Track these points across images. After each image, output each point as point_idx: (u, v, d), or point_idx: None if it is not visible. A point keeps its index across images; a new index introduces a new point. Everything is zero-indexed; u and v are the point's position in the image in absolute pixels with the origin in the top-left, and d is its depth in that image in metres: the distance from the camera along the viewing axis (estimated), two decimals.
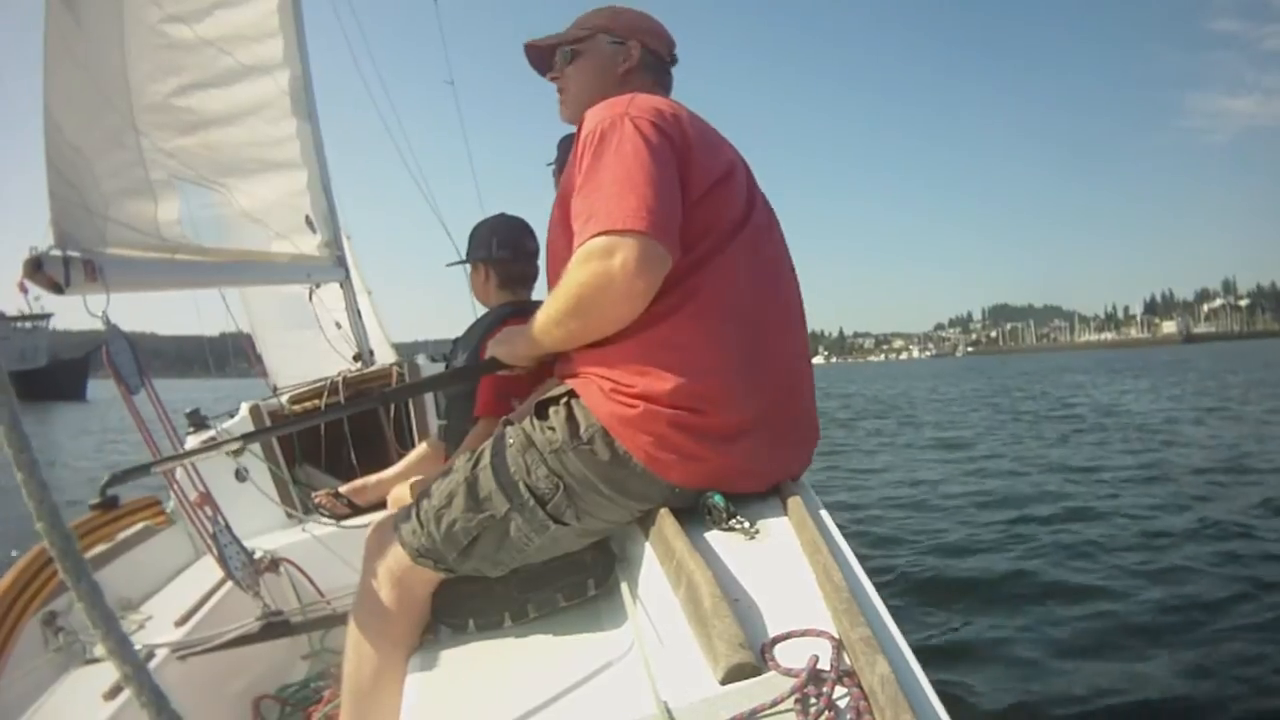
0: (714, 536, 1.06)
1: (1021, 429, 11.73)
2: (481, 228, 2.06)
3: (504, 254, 2.01)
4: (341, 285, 3.02)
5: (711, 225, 1.16)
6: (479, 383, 1.81)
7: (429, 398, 2.77)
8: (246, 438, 1.46)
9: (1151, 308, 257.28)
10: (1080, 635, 3.17)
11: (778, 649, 0.79)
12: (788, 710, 0.69)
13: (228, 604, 1.86)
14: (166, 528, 2.31)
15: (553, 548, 1.17)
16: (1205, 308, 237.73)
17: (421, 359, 3.17)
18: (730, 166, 1.22)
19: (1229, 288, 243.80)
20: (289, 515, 2.44)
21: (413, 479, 1.80)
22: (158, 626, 1.78)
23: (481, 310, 2.12)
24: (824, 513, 1.08)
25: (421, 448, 2.24)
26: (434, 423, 2.63)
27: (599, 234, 1.05)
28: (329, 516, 2.24)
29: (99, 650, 1.62)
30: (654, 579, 1.04)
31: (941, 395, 23.24)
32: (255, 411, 2.59)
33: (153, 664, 1.57)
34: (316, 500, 2.26)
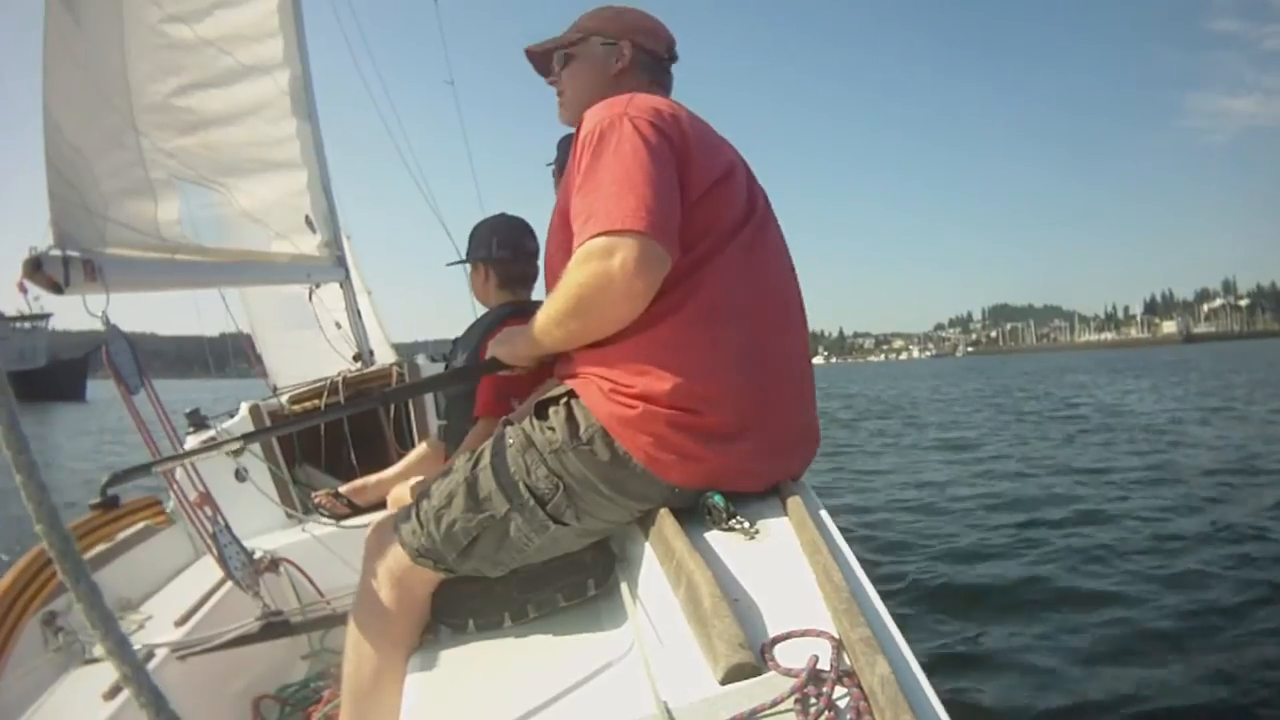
0: (714, 536, 1.06)
1: (1026, 429, 11.68)
2: (481, 227, 2.06)
3: (504, 254, 2.01)
4: (341, 285, 3.02)
5: (711, 225, 1.16)
6: (479, 383, 1.81)
7: (429, 398, 2.77)
8: (247, 438, 1.46)
9: (1151, 308, 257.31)
10: (1098, 642, 3.12)
11: (778, 649, 0.78)
12: (788, 710, 0.69)
13: (228, 604, 1.86)
14: (167, 527, 2.31)
15: (553, 548, 1.17)
16: (1205, 308, 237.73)
17: (421, 359, 3.17)
18: (730, 166, 1.22)
19: (1229, 288, 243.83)
20: (289, 515, 2.44)
21: (413, 479, 1.80)
22: (157, 626, 1.78)
23: (481, 310, 2.12)
24: (824, 513, 1.08)
25: (421, 448, 2.25)
26: (434, 423, 2.63)
27: (598, 234, 1.05)
28: (329, 516, 2.24)
29: (98, 650, 1.61)
30: (654, 579, 1.03)
31: (944, 395, 23.20)
32: (255, 411, 2.59)
33: (152, 664, 1.57)
34: (316, 500, 2.26)
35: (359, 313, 3.13)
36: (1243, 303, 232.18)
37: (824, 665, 0.73)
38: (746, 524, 1.05)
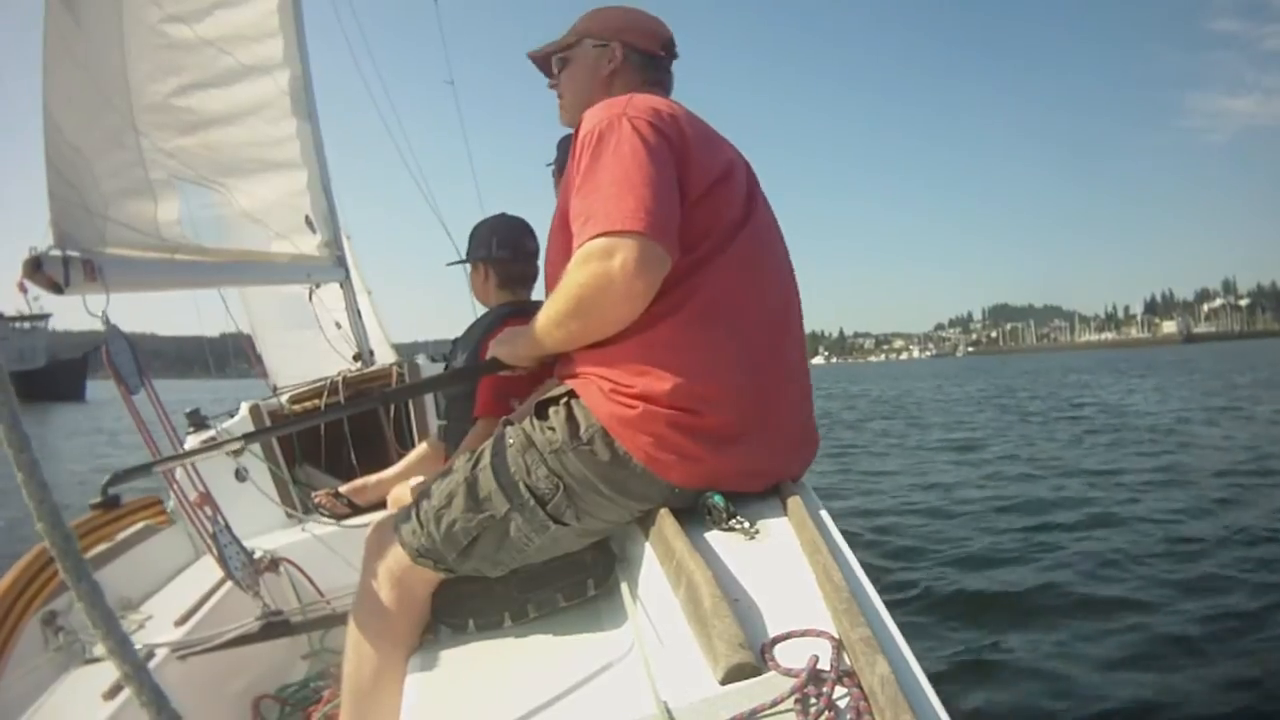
0: (714, 536, 1.06)
1: (1032, 430, 11.63)
2: (481, 227, 2.06)
3: (504, 254, 2.01)
4: (341, 285, 3.02)
5: (711, 225, 1.16)
6: (478, 383, 1.81)
7: (429, 398, 2.77)
8: (247, 437, 1.46)
9: (1152, 308, 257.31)
10: (1116, 648, 3.07)
11: (778, 649, 0.78)
12: (788, 710, 0.69)
13: (228, 604, 1.86)
14: (167, 527, 2.31)
15: (553, 548, 1.17)
16: (1205, 307, 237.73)
17: (421, 359, 3.17)
18: (729, 166, 1.22)
19: (1229, 287, 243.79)
20: (289, 515, 2.44)
21: (413, 479, 1.79)
22: (158, 626, 1.78)
23: (481, 310, 2.12)
24: (824, 513, 1.08)
25: (421, 448, 2.25)
26: (434, 423, 2.63)
27: (598, 235, 1.05)
28: (329, 516, 2.24)
29: (99, 650, 1.62)
30: (654, 579, 1.04)
31: (946, 395, 23.15)
32: (255, 411, 2.59)
33: (153, 664, 1.57)
34: (316, 500, 2.26)
35: (359, 313, 3.13)
36: (1243, 302, 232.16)
37: (824, 665, 0.73)
38: (746, 524, 1.05)
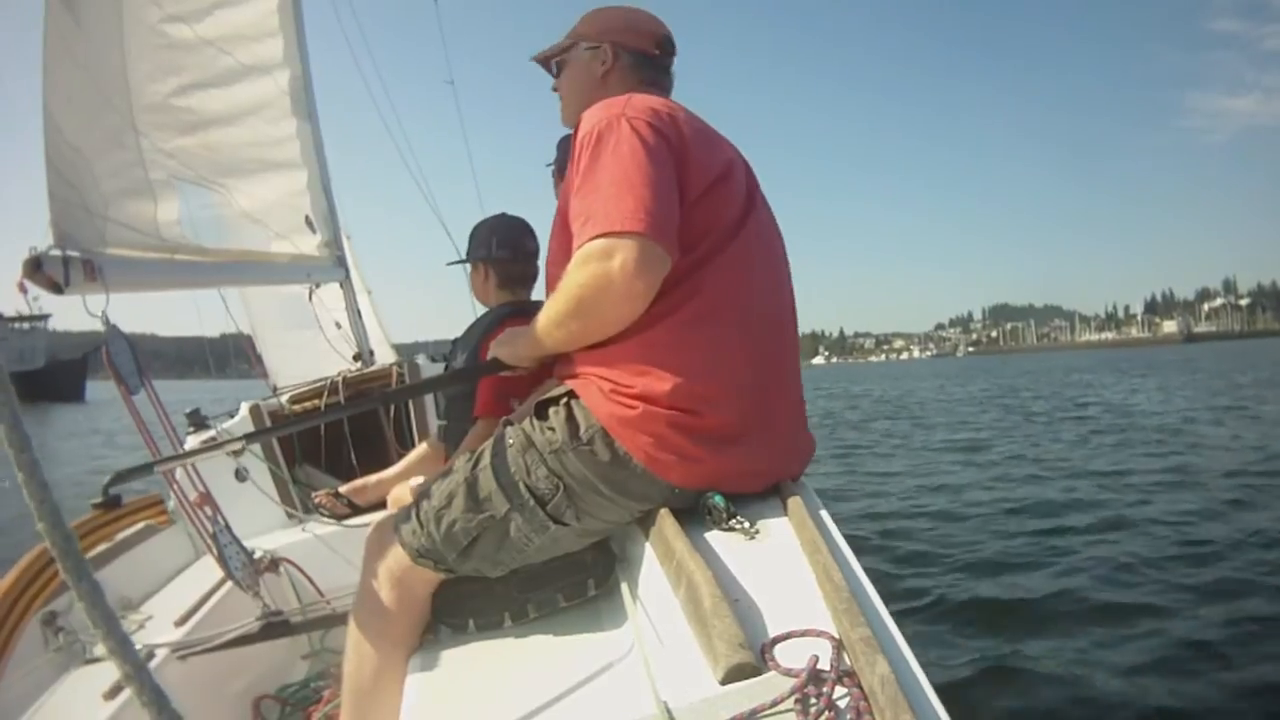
0: (714, 536, 1.06)
1: (1037, 430, 11.54)
2: (481, 227, 2.06)
3: (503, 254, 2.01)
4: (341, 285, 3.02)
5: (711, 225, 1.16)
6: (478, 383, 1.81)
7: (429, 398, 2.77)
8: (248, 438, 1.46)
9: (1152, 307, 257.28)
10: (1136, 655, 3.02)
11: (778, 649, 0.79)
12: (788, 710, 0.69)
13: (228, 604, 1.86)
14: (168, 527, 2.31)
15: (553, 548, 1.17)
16: (1206, 307, 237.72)
17: (421, 359, 3.17)
18: (728, 165, 1.22)
19: (1229, 287, 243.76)
20: (289, 515, 2.44)
21: (413, 479, 1.79)
22: (158, 626, 1.79)
23: (481, 310, 2.12)
24: (824, 513, 1.08)
25: (422, 448, 2.24)
26: (434, 423, 2.63)
27: (597, 236, 1.05)
28: (329, 516, 2.24)
29: (99, 650, 1.62)
30: (654, 579, 1.04)
31: (949, 395, 23.05)
32: (255, 411, 2.59)
33: (153, 664, 1.57)
34: (316, 500, 2.26)
35: (359, 313, 3.13)
36: (1243, 302, 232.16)
37: (824, 665, 0.73)
38: (747, 524, 1.06)
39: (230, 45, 2.42)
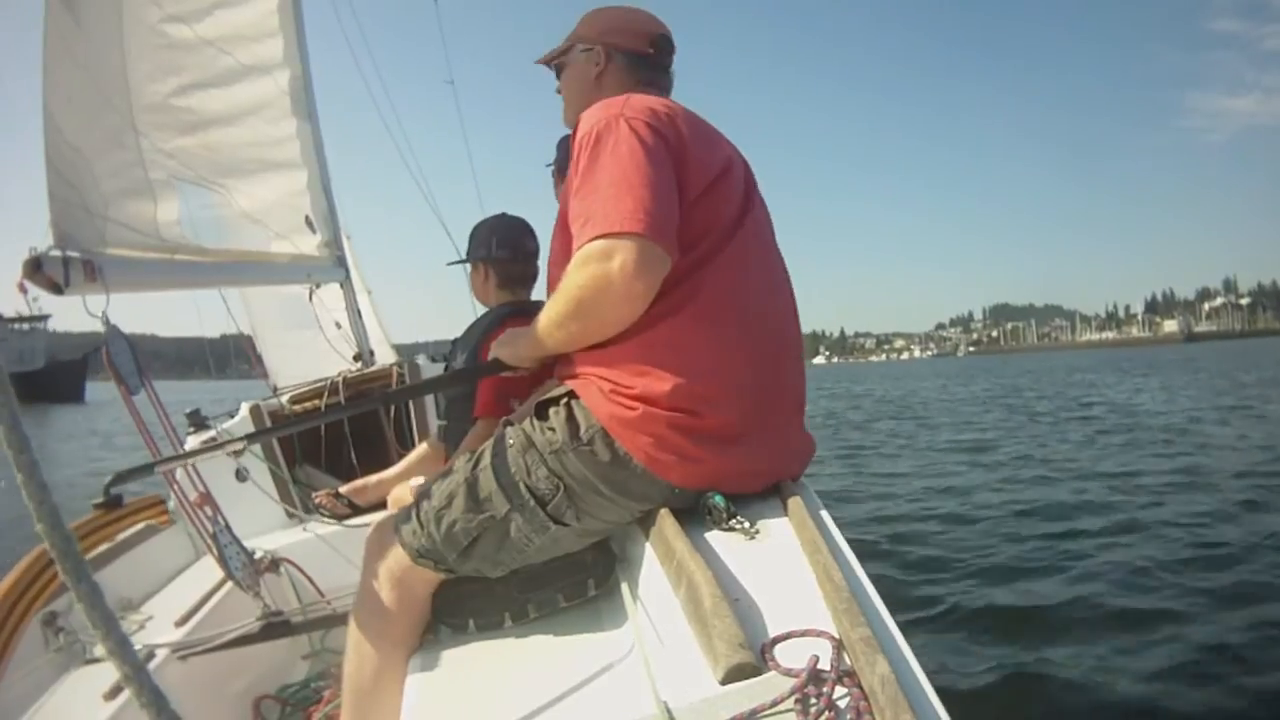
0: (714, 536, 1.06)
1: (1043, 430, 11.46)
2: (481, 227, 2.06)
3: (503, 254, 2.01)
4: (341, 285, 3.02)
5: (711, 225, 1.16)
6: (478, 383, 1.81)
7: (429, 398, 2.77)
8: (249, 438, 1.46)
9: (1152, 307, 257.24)
10: (1158, 661, 2.97)
11: (778, 649, 0.78)
12: (788, 710, 0.69)
13: (228, 604, 1.86)
14: (168, 527, 2.31)
15: (553, 548, 1.17)
16: (1206, 306, 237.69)
17: (421, 359, 3.17)
18: (727, 164, 1.22)
19: (1230, 286, 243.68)
20: (289, 515, 2.44)
21: (413, 479, 1.79)
22: (158, 626, 1.79)
23: (481, 310, 2.12)
24: (824, 513, 1.08)
25: (422, 448, 2.24)
26: (434, 423, 2.63)
27: (597, 237, 1.05)
28: (329, 516, 2.24)
29: (99, 650, 1.62)
30: (654, 579, 1.04)
31: (952, 395, 22.96)
32: (255, 411, 2.59)
33: (153, 664, 1.57)
34: (317, 500, 2.26)
35: (359, 313, 3.13)
36: (1244, 301, 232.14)
37: (824, 665, 0.73)
38: (747, 524, 1.05)
39: (230, 45, 2.42)
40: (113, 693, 1.45)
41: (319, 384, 2.71)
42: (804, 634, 0.80)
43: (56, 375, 47.91)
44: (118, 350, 1.64)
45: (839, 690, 0.70)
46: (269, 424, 2.57)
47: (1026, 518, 5.52)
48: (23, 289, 1.55)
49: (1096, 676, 2.90)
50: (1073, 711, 2.69)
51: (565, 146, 1.88)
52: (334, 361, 2.95)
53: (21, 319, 47.21)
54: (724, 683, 0.75)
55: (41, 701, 1.53)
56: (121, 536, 2.15)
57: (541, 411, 1.18)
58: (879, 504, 6.41)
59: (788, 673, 0.73)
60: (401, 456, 2.36)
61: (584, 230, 1.07)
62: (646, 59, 1.36)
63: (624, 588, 1.13)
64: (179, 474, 1.84)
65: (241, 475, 2.26)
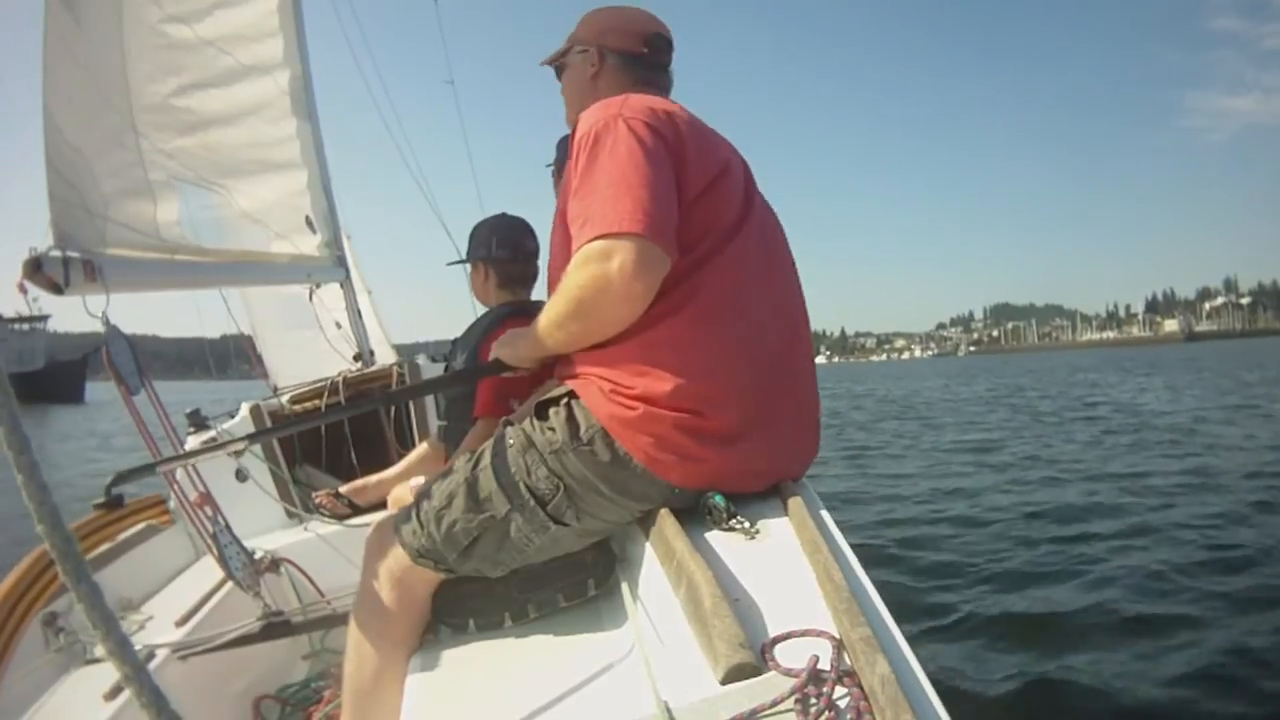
0: (714, 536, 1.06)
1: (1049, 430, 11.38)
2: (481, 227, 2.06)
3: (503, 254, 2.01)
4: (341, 285, 3.02)
5: (711, 225, 1.16)
6: (478, 383, 1.81)
7: (429, 398, 2.77)
8: (250, 438, 1.46)
9: (1153, 306, 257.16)
10: (1179, 668, 2.93)
11: (778, 649, 0.78)
12: (788, 710, 0.69)
13: (228, 604, 1.86)
14: (169, 527, 2.32)
15: (553, 548, 1.17)
16: (1207, 306, 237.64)
17: (422, 359, 3.17)
18: (726, 163, 1.22)
19: (1230, 286, 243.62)
20: (289, 515, 2.44)
21: (413, 479, 1.79)
22: (158, 626, 1.79)
23: (481, 310, 2.12)
24: (824, 512, 1.08)
25: (422, 448, 2.24)
26: (434, 423, 2.63)
27: (596, 238, 1.05)
28: (329, 516, 2.24)
29: (99, 650, 1.62)
30: (654, 579, 1.04)
31: (955, 395, 22.88)
32: (256, 412, 2.59)
33: (153, 664, 1.57)
34: (317, 500, 2.26)
35: (359, 313, 3.13)
36: (1244, 301, 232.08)
37: (824, 665, 0.73)
38: (747, 524, 1.05)
39: (230, 45, 2.42)
40: (113, 693, 1.45)
41: (319, 384, 2.71)
42: (804, 634, 0.80)
43: (56, 376, 47.88)
44: (118, 350, 1.64)
45: (839, 690, 0.70)
46: (269, 424, 2.57)
47: (1037, 520, 5.46)
48: (23, 289, 1.55)
49: (1118, 683, 2.87)
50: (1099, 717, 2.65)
51: (565, 146, 1.88)
52: (334, 361, 2.95)
53: (21, 319, 47.20)
54: (724, 683, 0.75)
55: (42, 701, 1.53)
56: (122, 536, 2.15)
57: (541, 411, 1.18)
58: (887, 506, 6.35)
59: (788, 673, 0.73)
60: (401, 456, 2.36)
61: (583, 231, 1.07)
62: (641, 58, 1.35)
63: (624, 588, 1.13)
64: (179, 474, 1.84)
65: (242, 475, 2.26)
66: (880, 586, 0.90)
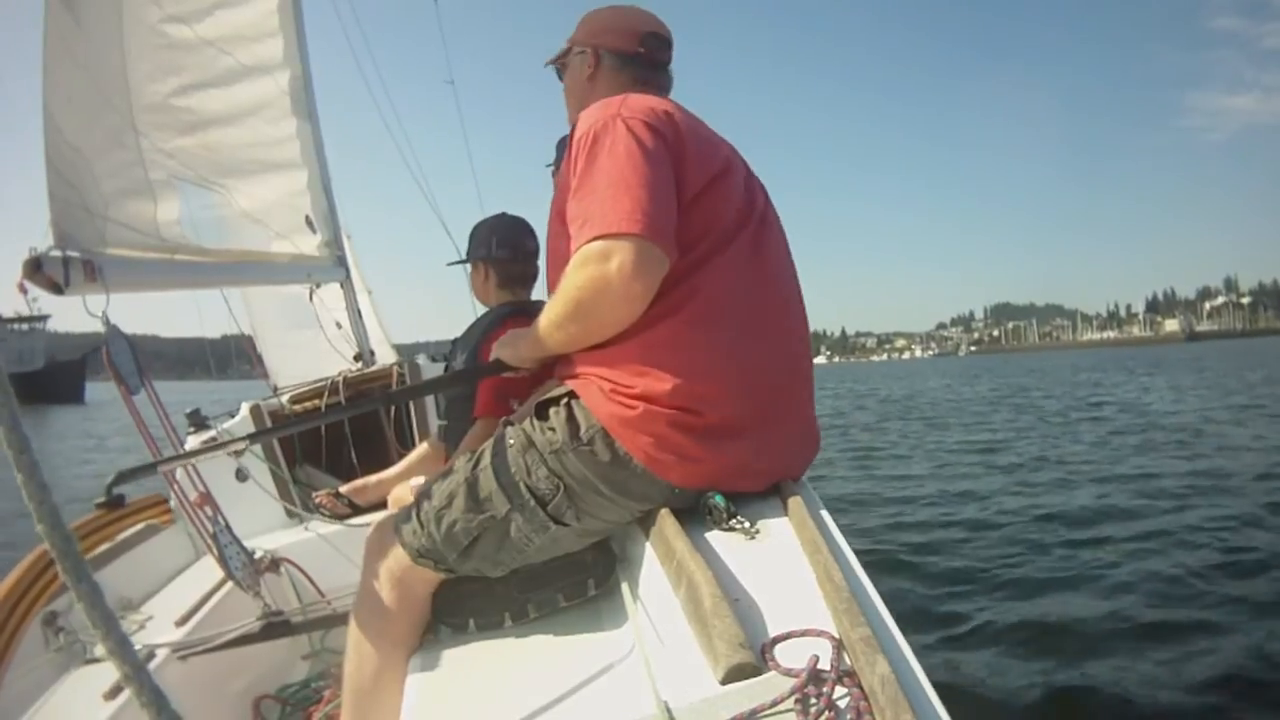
0: (714, 536, 1.06)
1: (1055, 431, 11.29)
2: (481, 227, 2.06)
3: (503, 253, 2.01)
4: (342, 285, 3.02)
5: (710, 225, 1.15)
6: (478, 383, 1.81)
7: (429, 398, 2.77)
8: (251, 438, 1.46)
9: (1154, 306, 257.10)
10: (1202, 673, 2.89)
11: (778, 649, 0.78)
12: (788, 710, 0.69)
13: (228, 604, 1.86)
14: (169, 527, 2.32)
15: (553, 548, 1.17)
16: (1207, 306, 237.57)
17: (422, 359, 3.17)
18: (726, 163, 1.22)
19: (1231, 285, 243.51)
20: (289, 515, 2.44)
21: (413, 479, 1.79)
22: (158, 626, 1.79)
23: (481, 310, 2.12)
24: (824, 512, 1.08)
25: (422, 448, 2.24)
26: (434, 423, 2.63)
27: (595, 238, 1.05)
28: (330, 516, 2.23)
29: (99, 650, 1.62)
30: (654, 579, 1.03)
31: (957, 395, 22.76)
32: (256, 411, 2.59)
33: (153, 664, 1.57)
34: (317, 500, 2.26)
35: (359, 312, 3.13)
36: (1245, 300, 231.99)
37: (824, 665, 0.73)
38: (747, 524, 1.05)
39: (230, 45, 2.42)
40: (113, 693, 1.45)
41: (319, 384, 2.71)
42: (804, 634, 0.80)
43: (56, 376, 47.88)
44: (118, 350, 1.64)
45: (839, 690, 0.70)
46: (269, 424, 2.57)
47: (1049, 523, 5.38)
48: (23, 289, 1.55)
49: (1141, 691, 2.84)
50: None
51: (565, 146, 1.88)
52: (334, 361, 2.95)
53: (21, 319, 47.21)
54: (724, 683, 0.75)
55: (42, 701, 1.53)
56: (122, 536, 2.15)
57: (541, 411, 1.17)
58: (896, 509, 6.27)
59: (788, 673, 0.73)
60: (401, 456, 2.36)
61: (582, 231, 1.07)
62: (637, 58, 1.35)
63: (624, 588, 1.13)
64: (179, 474, 1.84)
65: (242, 475, 2.26)
66: (894, 594, 0.89)
